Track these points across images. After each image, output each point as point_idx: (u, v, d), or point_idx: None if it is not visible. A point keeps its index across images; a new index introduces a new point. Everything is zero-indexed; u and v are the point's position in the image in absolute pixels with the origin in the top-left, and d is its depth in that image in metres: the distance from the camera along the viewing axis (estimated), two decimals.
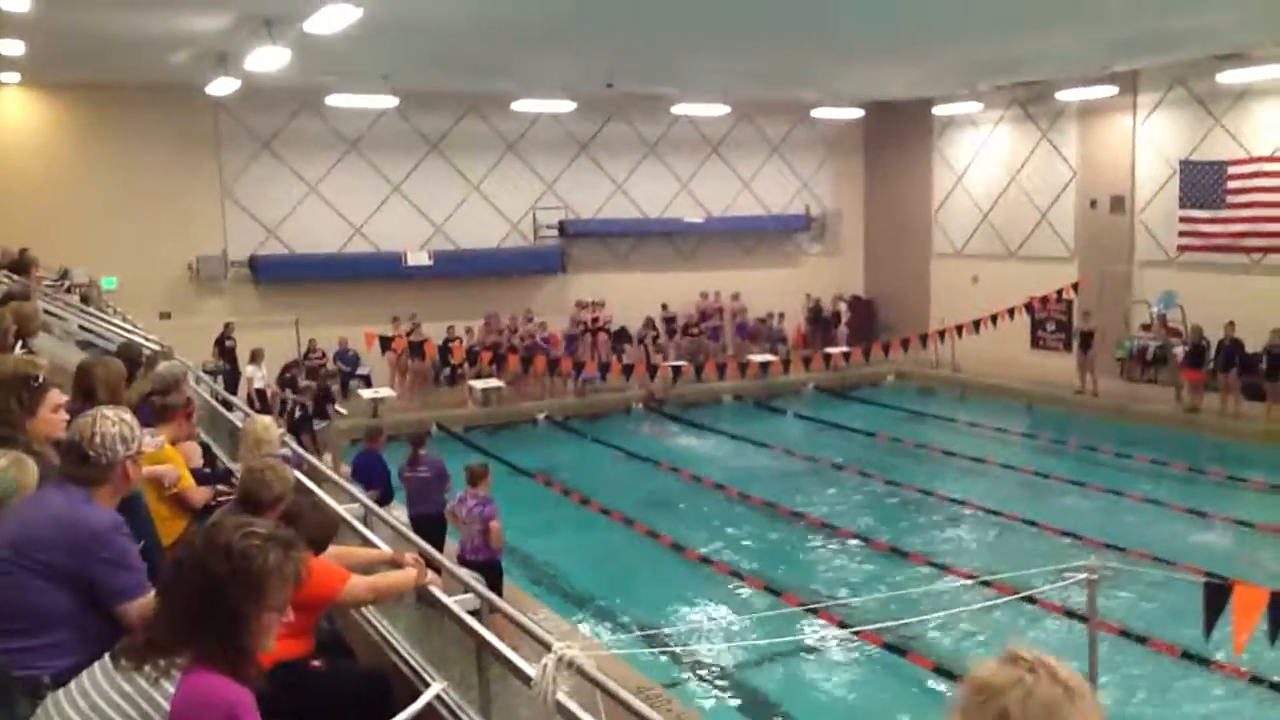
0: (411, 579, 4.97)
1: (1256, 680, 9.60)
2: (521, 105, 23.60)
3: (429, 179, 24.49)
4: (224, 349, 20.85)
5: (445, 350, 22.23)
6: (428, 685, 4.98)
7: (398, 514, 9.36)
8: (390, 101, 22.28)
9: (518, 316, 24.42)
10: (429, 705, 5.01)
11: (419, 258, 23.88)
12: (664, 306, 26.08)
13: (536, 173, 25.58)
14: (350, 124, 23.45)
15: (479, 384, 22.22)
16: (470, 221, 24.88)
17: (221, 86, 18.94)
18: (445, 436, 20.23)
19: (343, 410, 17.90)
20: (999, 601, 10.95)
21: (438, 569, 5.45)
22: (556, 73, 20.85)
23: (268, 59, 15.47)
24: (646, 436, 21.16)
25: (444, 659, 5.77)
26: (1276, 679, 9.47)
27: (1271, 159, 20.57)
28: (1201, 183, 21.56)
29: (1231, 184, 21.14)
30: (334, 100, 22.00)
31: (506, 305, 24.59)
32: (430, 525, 10.33)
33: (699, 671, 10.34)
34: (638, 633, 10.35)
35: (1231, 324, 19.77)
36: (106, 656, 2.87)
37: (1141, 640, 10.50)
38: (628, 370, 22.26)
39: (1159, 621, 10.80)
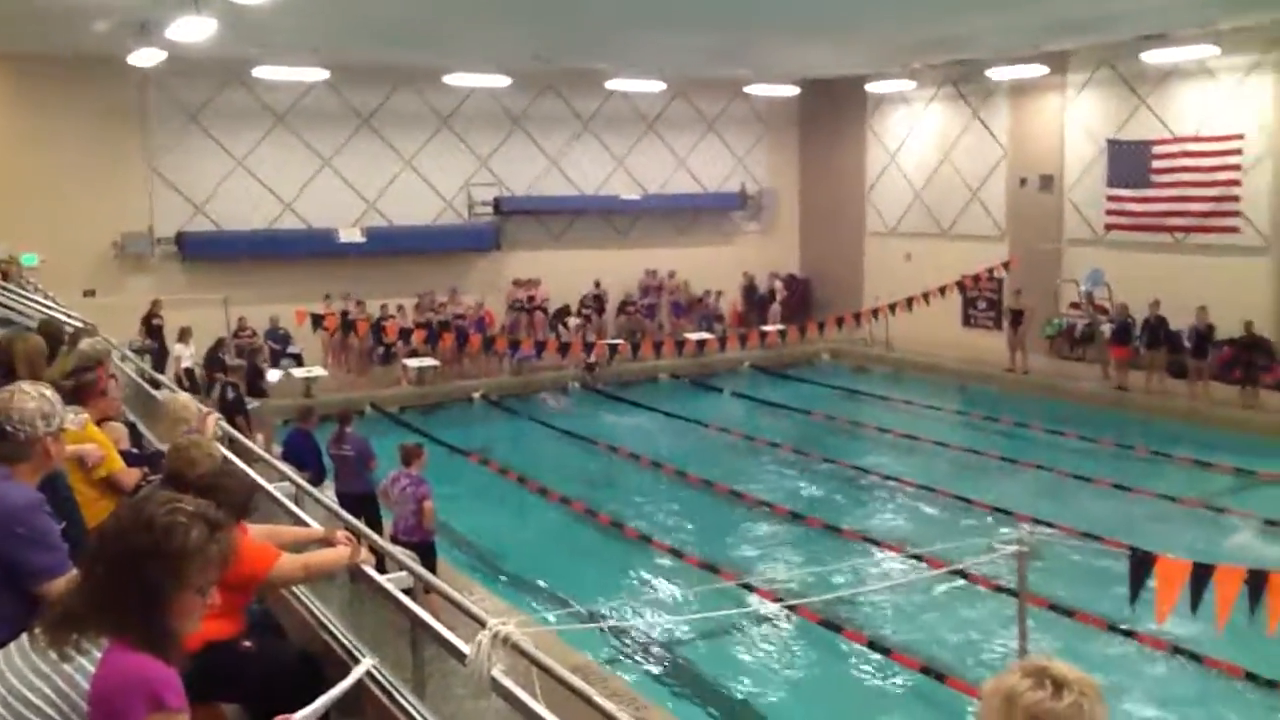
0: (344, 557, 4.87)
1: (1177, 650, 9.82)
2: (454, 79, 23.33)
3: (361, 154, 24.10)
4: (151, 328, 20.41)
5: (379, 329, 21.95)
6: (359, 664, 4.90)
7: (330, 494, 9.23)
8: (320, 74, 21.92)
9: (452, 294, 24.17)
10: (361, 685, 4.94)
11: (351, 234, 23.53)
12: (596, 284, 25.99)
13: (470, 148, 25.30)
14: (279, 97, 22.99)
15: (413, 363, 21.99)
16: (403, 198, 24.56)
17: (145, 58, 18.46)
18: (379, 416, 20.02)
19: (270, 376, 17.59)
20: (930, 574, 11.10)
21: (371, 547, 5.36)
22: (490, 46, 20.61)
23: (193, 29, 15.09)
24: (580, 414, 21.06)
25: (378, 640, 5.68)
26: (1196, 650, 9.69)
27: (1194, 139, 20.97)
28: (1128, 162, 21.95)
29: (1156, 163, 21.54)
30: (262, 72, 21.57)
31: (441, 283, 24.33)
32: (358, 504, 10.18)
33: (637, 649, 10.35)
34: (576, 610, 10.30)
35: (1157, 302, 20.19)
36: (24, 635, 2.76)
37: (1070, 613, 10.69)
38: (564, 348, 22.17)
39: (1087, 594, 11.00)
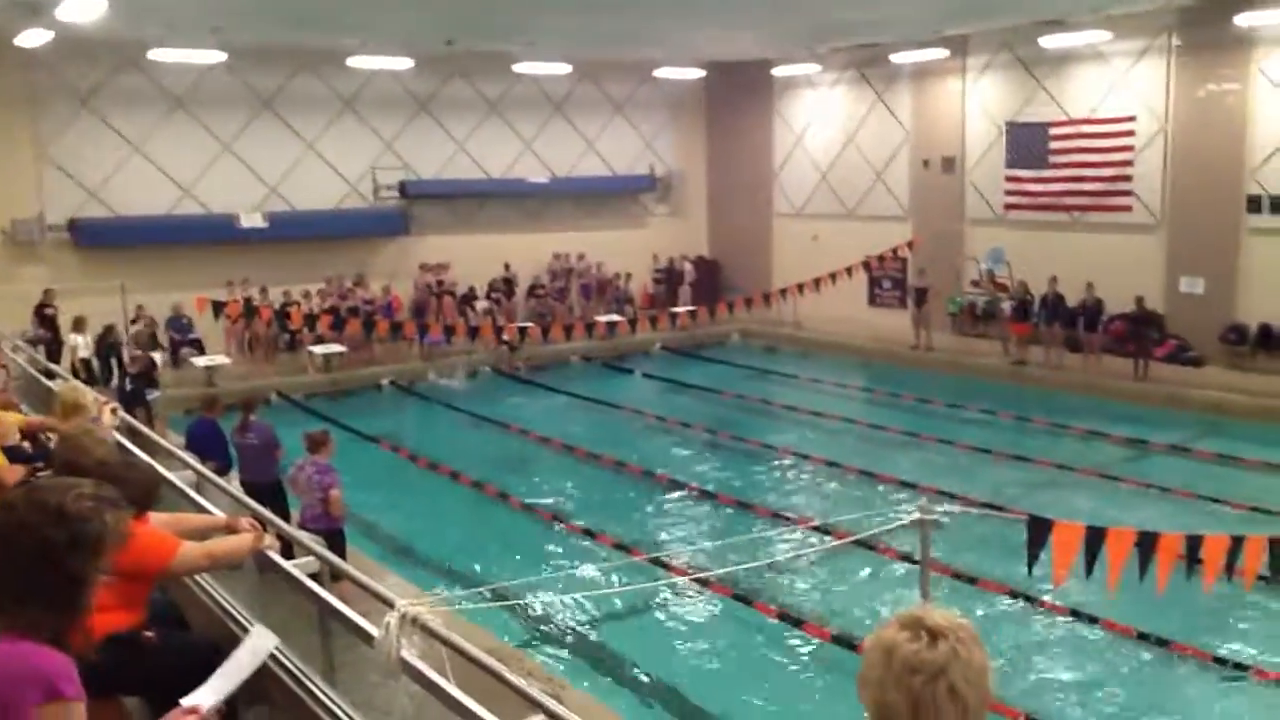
0: (248, 544, 4.79)
1: (1075, 614, 10.16)
2: (357, 61, 22.97)
3: (262, 138, 23.60)
4: (44, 317, 19.82)
5: (283, 315, 21.56)
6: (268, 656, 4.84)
7: (235, 484, 9.07)
8: (218, 56, 21.40)
9: (359, 279, 23.85)
10: (269, 672, 4.88)
11: (253, 219, 23.05)
12: (506, 267, 25.85)
13: (375, 132, 24.94)
14: (176, 80, 22.38)
15: (319, 349, 21.65)
16: (306, 182, 24.12)
17: (33, 38, 17.83)
18: (286, 404, 19.68)
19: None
20: (838, 547, 11.29)
21: (277, 534, 5.30)
22: (395, 29, 20.33)
23: (82, 8, 14.64)
24: (491, 398, 20.94)
25: (288, 629, 5.62)
26: (1093, 613, 10.03)
27: (1089, 120, 21.58)
28: (1026, 144, 22.51)
29: (1053, 145, 22.14)
30: (158, 54, 20.98)
31: (347, 268, 23.99)
32: (265, 493, 10.01)
33: (552, 630, 10.37)
34: (488, 594, 10.27)
35: (1054, 279, 20.76)
36: None
37: (973, 580, 10.99)
38: (474, 332, 22.01)
39: (989, 562, 11.32)
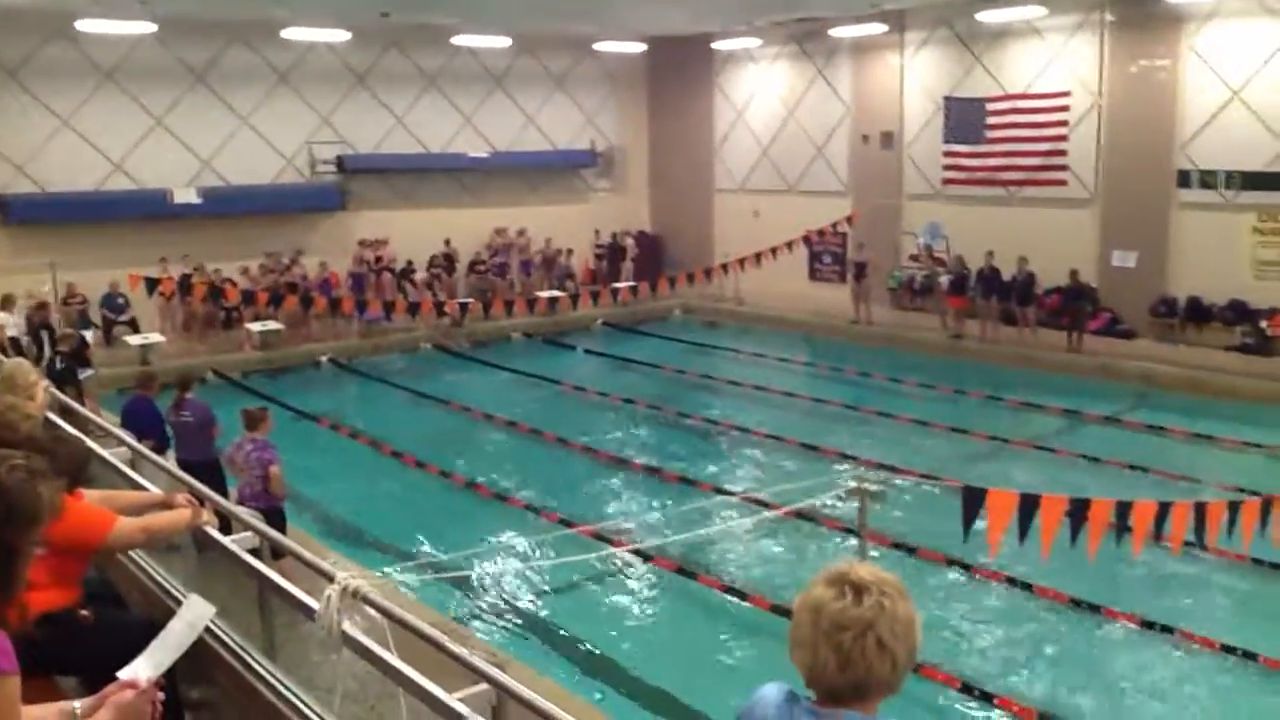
0: (185, 519, 4.74)
1: (1011, 581, 10.37)
2: (292, 34, 22.59)
3: (195, 112, 23.13)
4: None
5: (218, 292, 21.22)
6: (205, 632, 4.80)
7: (171, 462, 8.95)
8: (148, 28, 20.93)
9: (295, 255, 23.53)
10: (210, 650, 4.84)
11: (186, 195, 22.63)
12: (446, 242, 25.65)
13: (311, 106, 24.57)
14: (106, 52, 21.86)
15: (257, 326, 21.36)
16: (241, 157, 23.71)
17: None
18: (222, 382, 19.41)
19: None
20: (780, 519, 11.41)
21: (215, 510, 5.24)
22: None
23: None
24: (432, 375, 20.81)
25: (227, 608, 5.57)
26: (1027, 580, 10.25)
27: (1025, 96, 21.86)
28: (963, 119, 22.73)
29: (990, 120, 22.39)
30: (86, 25, 20.47)
31: (285, 244, 23.66)
32: (201, 472, 9.85)
33: (495, 605, 10.37)
34: (430, 569, 10.25)
35: (990, 253, 21.05)
36: None
37: (911, 550, 11.16)
38: (413, 309, 21.83)
39: (927, 532, 11.51)
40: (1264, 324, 18.70)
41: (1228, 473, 13.31)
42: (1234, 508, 8.11)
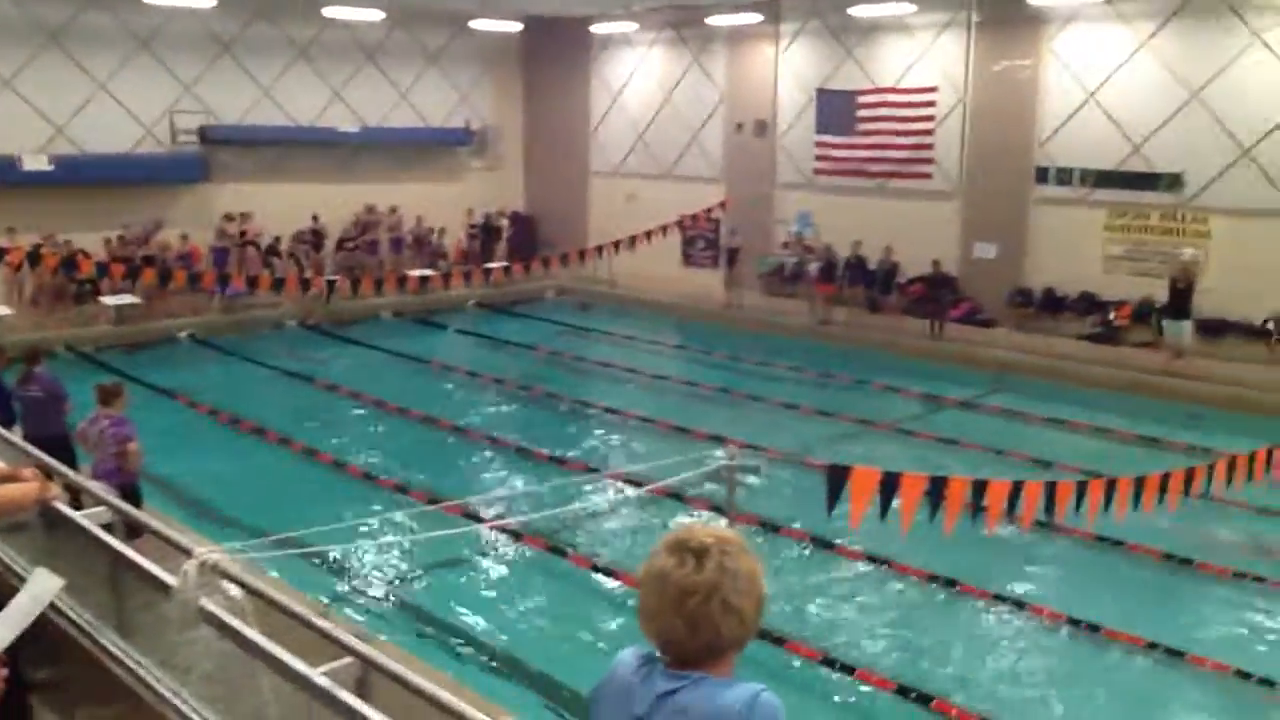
0: (33, 493, 4.53)
1: (871, 559, 10.67)
2: None
3: (46, 75, 22.01)
4: None
5: (71, 263, 20.31)
6: (54, 611, 4.61)
7: (17, 438, 8.54)
8: None
9: (155, 225, 22.66)
10: (57, 629, 4.65)
11: (37, 162, 21.52)
12: (314, 218, 25.06)
13: (173, 73, 23.65)
14: None
15: (112, 300, 20.52)
16: (97, 124, 22.66)
17: None
18: (74, 358, 18.61)
19: None
20: (650, 499, 11.51)
21: (66, 485, 5.03)
22: None
23: None
24: (298, 353, 20.31)
25: (79, 589, 5.36)
26: (888, 557, 10.56)
27: (894, 90, 22.39)
28: (834, 110, 23.16)
29: (861, 112, 22.87)
30: None
31: (143, 216, 22.73)
32: (51, 448, 9.42)
33: (360, 586, 10.21)
34: (293, 548, 10.01)
35: (858, 242, 21.55)
36: None
37: (776, 529, 11.38)
38: (278, 285, 21.27)
39: (792, 511, 11.76)
40: (1112, 315, 19.59)
41: (1077, 455, 13.91)
42: (1081, 487, 8.48)
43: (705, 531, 2.24)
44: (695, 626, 2.17)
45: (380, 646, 7.67)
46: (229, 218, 23.76)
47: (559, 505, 11.84)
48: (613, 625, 9.44)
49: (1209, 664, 8.67)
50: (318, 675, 3.32)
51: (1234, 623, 9.69)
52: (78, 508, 5.22)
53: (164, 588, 3.95)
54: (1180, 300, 17.43)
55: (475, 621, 9.49)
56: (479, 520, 11.42)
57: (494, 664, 8.74)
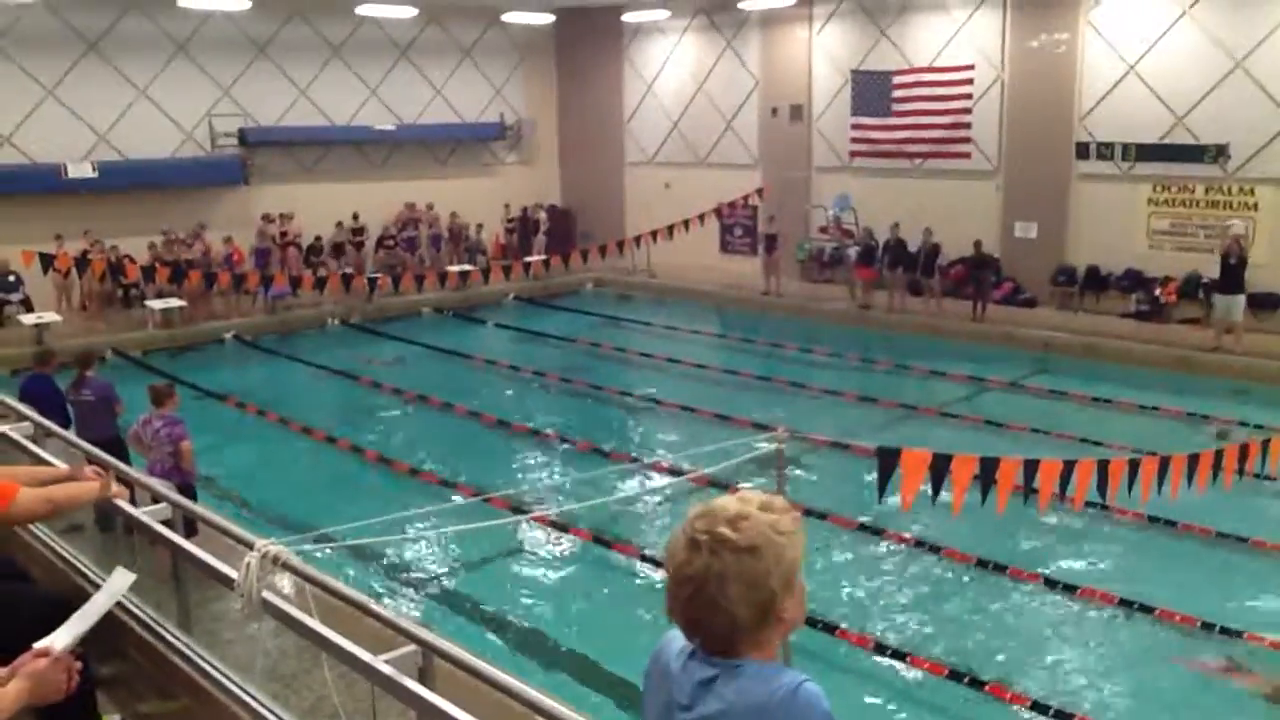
0: (93, 490, 4.60)
1: (919, 544, 10.61)
2: (189, 2, 21.90)
3: (88, 83, 22.34)
4: None
5: (117, 268, 20.59)
6: (117, 608, 4.68)
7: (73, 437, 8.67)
8: None
9: (198, 229, 22.94)
10: (122, 624, 4.73)
11: (81, 169, 21.86)
12: (355, 216, 25.24)
13: (211, 77, 23.91)
14: None
15: (158, 304, 20.79)
16: (139, 130, 22.99)
17: None
18: (123, 362, 18.87)
19: None
20: (694, 487, 11.50)
21: (124, 480, 5.10)
22: None
23: None
24: (341, 351, 20.46)
25: (140, 587, 5.45)
26: (936, 543, 10.50)
27: (930, 69, 22.21)
28: (870, 92, 23.03)
29: (896, 93, 22.71)
30: None
31: (186, 219, 23.02)
32: (104, 451, 9.59)
33: (412, 581, 10.30)
34: (349, 545, 10.10)
35: (896, 225, 21.38)
36: None
37: (823, 516, 11.33)
38: (321, 284, 21.44)
39: (839, 498, 11.71)
40: (1158, 291, 19.34)
41: (1125, 434, 13.74)
42: (1134, 466, 8.38)
43: (714, 516, 2.11)
44: (695, 621, 2.12)
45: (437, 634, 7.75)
46: (269, 219, 23.99)
47: (605, 496, 11.85)
48: (661, 615, 9.45)
49: (1267, 641, 8.54)
50: (381, 663, 3.36)
51: None
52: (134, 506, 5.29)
53: (227, 581, 4.00)
54: (1232, 275, 17.10)
55: (525, 614, 9.54)
56: (525, 513, 11.46)
57: (545, 657, 8.77)
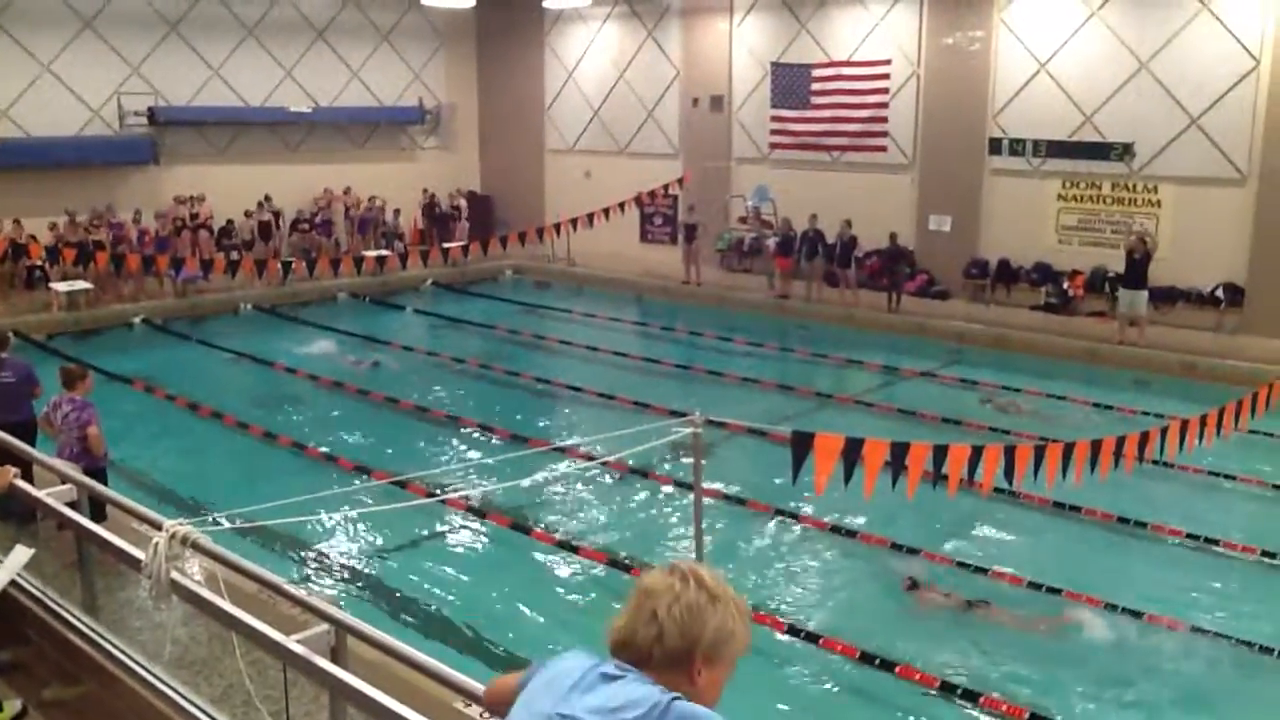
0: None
1: (835, 530, 10.77)
2: None
3: None
4: None
5: (20, 249, 19.96)
6: (17, 590, 4.57)
7: None
8: None
9: (105, 210, 22.34)
10: (23, 609, 4.61)
11: None
12: (267, 199, 24.80)
13: (120, 54, 23.27)
14: None
15: (63, 286, 20.21)
16: (42, 107, 22.28)
17: None
18: (25, 345, 18.28)
19: None
20: (613, 474, 11.53)
21: (30, 464, 4.97)
22: None
23: None
24: (254, 336, 20.09)
25: (44, 574, 5.31)
26: (850, 528, 10.68)
27: (848, 63, 22.47)
28: (789, 84, 23.23)
29: (815, 86, 22.94)
30: None
31: (91, 200, 22.39)
32: (19, 434, 9.31)
33: (325, 566, 10.17)
34: (253, 522, 9.94)
35: (814, 216, 21.62)
36: None
37: (741, 501, 11.46)
38: (233, 268, 21.03)
39: (755, 484, 11.85)
40: (1066, 285, 19.85)
41: (1032, 425, 14.09)
42: (1039, 452, 8.60)
43: (701, 568, 2.28)
44: (631, 632, 2.23)
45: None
46: (180, 200, 23.45)
47: (522, 482, 11.83)
48: (577, 600, 9.49)
49: (1167, 621, 8.84)
50: (293, 643, 3.32)
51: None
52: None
53: (134, 563, 3.92)
54: (1137, 270, 17.63)
55: (440, 600, 9.49)
56: (441, 498, 11.39)
57: (459, 642, 8.73)
